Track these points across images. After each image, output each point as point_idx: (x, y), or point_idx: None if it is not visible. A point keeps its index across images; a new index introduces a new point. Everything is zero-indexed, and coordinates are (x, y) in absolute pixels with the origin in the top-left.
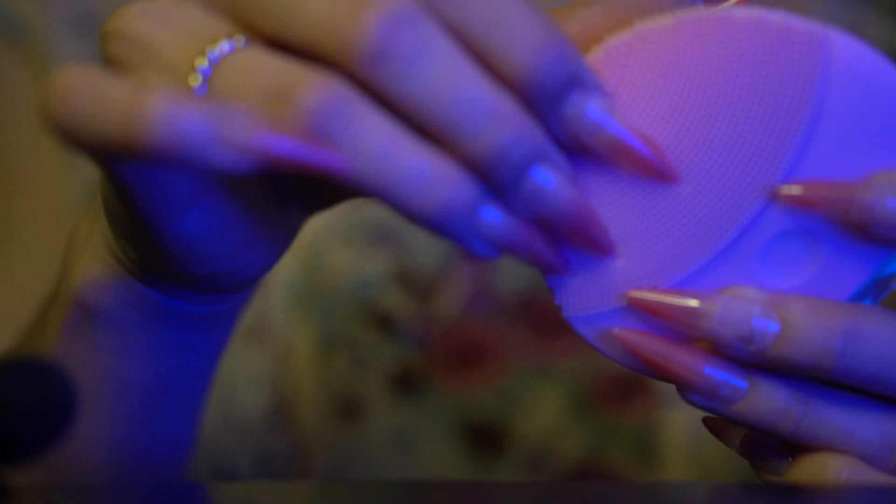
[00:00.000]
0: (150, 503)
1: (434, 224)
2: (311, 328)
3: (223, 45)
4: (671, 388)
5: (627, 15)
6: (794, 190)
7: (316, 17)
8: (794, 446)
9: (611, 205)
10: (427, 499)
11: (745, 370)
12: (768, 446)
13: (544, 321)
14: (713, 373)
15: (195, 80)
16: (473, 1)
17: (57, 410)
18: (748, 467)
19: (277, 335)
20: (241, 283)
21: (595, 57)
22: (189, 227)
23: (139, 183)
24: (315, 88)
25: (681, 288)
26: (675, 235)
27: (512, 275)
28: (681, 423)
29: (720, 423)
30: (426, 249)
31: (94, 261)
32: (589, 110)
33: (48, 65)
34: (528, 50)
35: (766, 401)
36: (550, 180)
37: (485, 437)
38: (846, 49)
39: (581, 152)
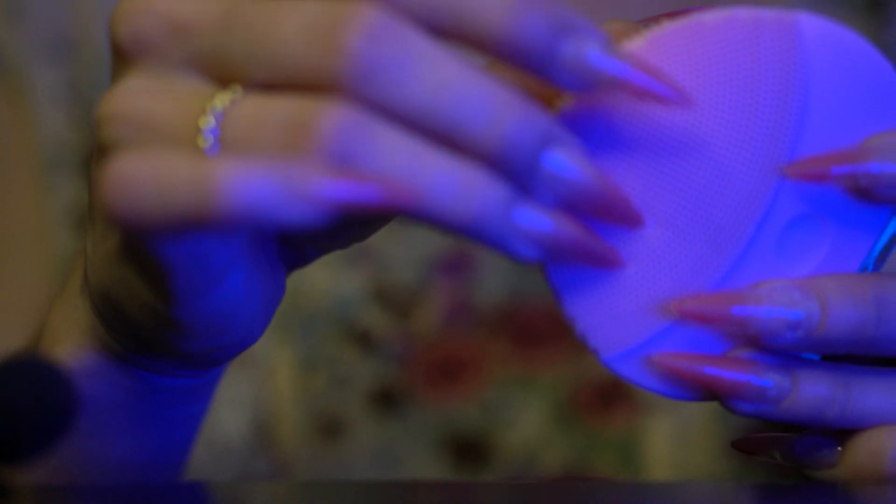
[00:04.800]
0: (149, 503)
1: (472, 232)
2: (291, 348)
3: (221, 100)
4: (653, 395)
5: None
6: (803, 167)
7: (295, 53)
8: (840, 434)
9: (630, 235)
10: (410, 499)
11: (787, 368)
12: (814, 443)
13: (525, 333)
14: (759, 378)
15: (204, 142)
16: None
17: (57, 410)
18: (731, 473)
19: (257, 357)
20: (240, 351)
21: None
22: (221, 297)
23: (179, 258)
24: (327, 113)
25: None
26: (693, 249)
27: (491, 287)
28: (664, 429)
29: (753, 442)
30: (403, 266)
31: (78, 348)
32: (588, 53)
33: (23, 90)
34: (500, 12)
35: (811, 392)
36: (566, 160)
37: (469, 451)
38: (816, 28)
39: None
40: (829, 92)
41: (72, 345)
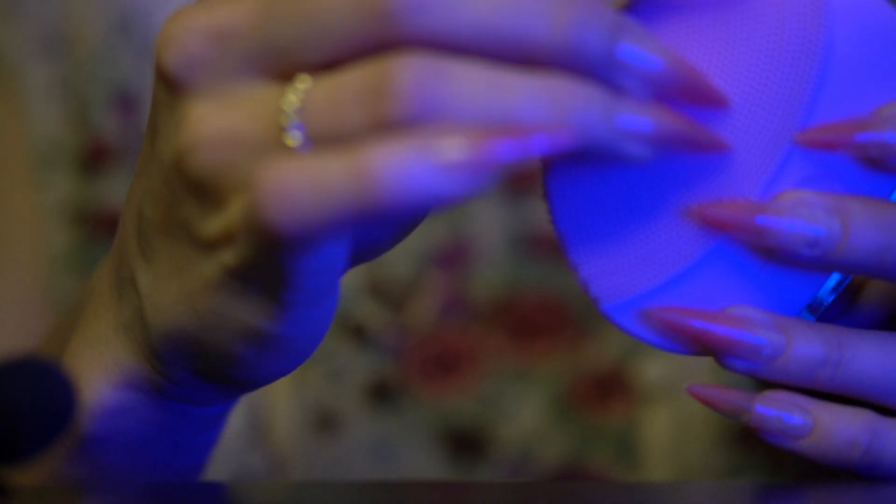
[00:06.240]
0: (150, 503)
1: (582, 144)
2: None
3: (294, 92)
4: (651, 387)
5: None
6: (815, 134)
7: (342, 20)
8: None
9: (639, 185)
10: (406, 499)
11: (781, 326)
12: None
13: (521, 325)
14: (753, 335)
15: (292, 140)
16: None
17: (57, 410)
18: (730, 465)
19: None
20: (286, 374)
21: None
22: (322, 313)
23: (312, 266)
24: (398, 70)
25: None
26: (699, 201)
27: (486, 280)
28: (662, 422)
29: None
30: (398, 259)
31: (111, 388)
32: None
33: (16, 87)
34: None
35: (805, 352)
36: (641, 48)
37: (466, 444)
38: None
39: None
40: (850, 56)
41: (105, 385)
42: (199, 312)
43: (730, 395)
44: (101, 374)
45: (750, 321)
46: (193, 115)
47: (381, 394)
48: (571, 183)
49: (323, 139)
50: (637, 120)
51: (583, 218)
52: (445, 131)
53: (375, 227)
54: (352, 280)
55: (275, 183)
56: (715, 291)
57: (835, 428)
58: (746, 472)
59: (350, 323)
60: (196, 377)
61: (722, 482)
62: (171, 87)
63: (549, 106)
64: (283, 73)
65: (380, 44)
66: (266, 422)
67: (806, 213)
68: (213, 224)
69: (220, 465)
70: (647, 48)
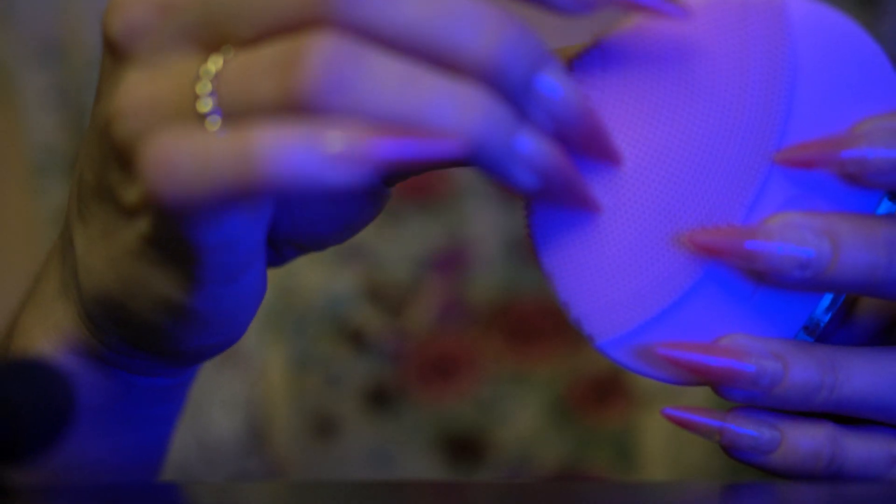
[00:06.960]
0: (146, 502)
1: (472, 154)
2: (284, 348)
3: (214, 62)
4: (648, 390)
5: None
6: (792, 153)
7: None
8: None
9: (622, 219)
10: (405, 499)
11: (777, 354)
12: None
13: (518, 329)
14: (751, 365)
15: (204, 106)
16: None
17: (57, 410)
18: (727, 469)
19: (250, 357)
20: (224, 350)
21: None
22: (241, 289)
23: (214, 243)
24: (313, 45)
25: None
26: (684, 230)
27: (484, 284)
28: (659, 425)
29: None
30: (396, 263)
31: (54, 351)
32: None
33: (12, 94)
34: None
35: (801, 377)
36: (558, 82)
37: (464, 448)
38: (804, 10)
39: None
40: (817, 74)
41: (48, 348)
42: (121, 278)
43: (703, 415)
44: (43, 335)
45: (745, 351)
46: (126, 82)
47: (380, 398)
48: (554, 220)
49: (231, 108)
50: (532, 147)
51: (568, 255)
52: (336, 122)
53: (300, 217)
54: (350, 285)
55: (159, 153)
56: (709, 319)
57: (800, 441)
58: (744, 476)
59: (348, 328)
60: (128, 345)
61: (721, 482)
62: (114, 53)
63: (455, 113)
64: (215, 47)
65: (306, 21)
66: (265, 427)
67: (795, 235)
68: (132, 191)
69: (219, 470)
70: (564, 86)
